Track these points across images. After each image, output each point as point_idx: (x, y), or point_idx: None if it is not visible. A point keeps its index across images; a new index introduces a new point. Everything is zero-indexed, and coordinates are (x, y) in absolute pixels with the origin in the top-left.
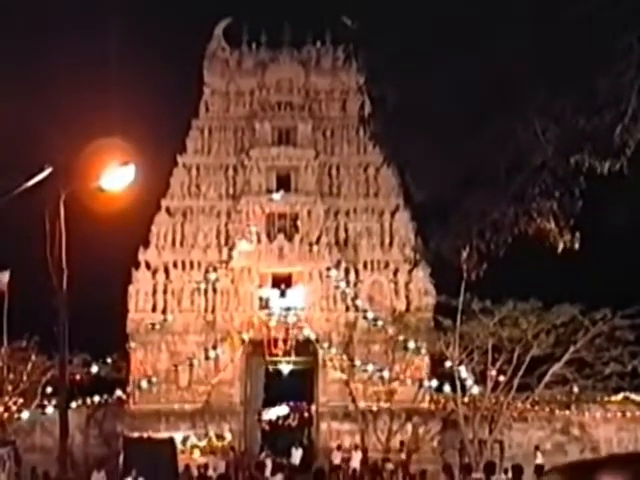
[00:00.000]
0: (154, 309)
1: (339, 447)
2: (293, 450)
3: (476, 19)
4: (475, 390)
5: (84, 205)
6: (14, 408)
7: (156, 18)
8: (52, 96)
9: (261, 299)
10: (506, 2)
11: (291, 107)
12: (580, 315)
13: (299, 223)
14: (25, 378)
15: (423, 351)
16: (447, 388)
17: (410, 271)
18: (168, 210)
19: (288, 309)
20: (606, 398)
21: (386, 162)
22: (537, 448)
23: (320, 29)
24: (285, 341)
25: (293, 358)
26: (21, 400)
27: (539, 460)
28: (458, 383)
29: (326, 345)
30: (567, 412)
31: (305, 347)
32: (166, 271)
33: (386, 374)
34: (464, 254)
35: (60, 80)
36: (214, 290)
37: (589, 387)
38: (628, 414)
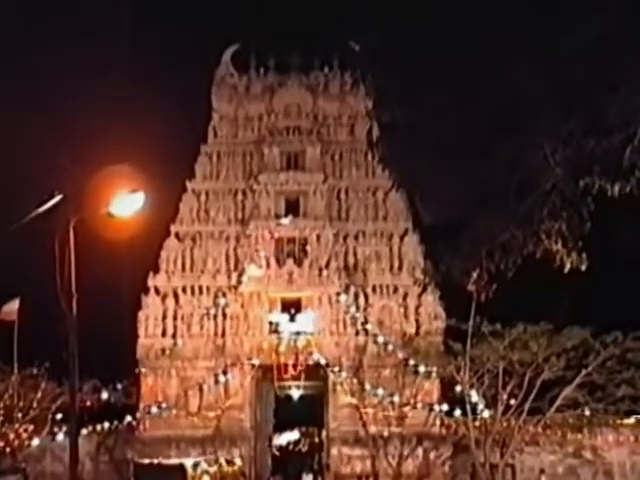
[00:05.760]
0: (164, 334)
1: (359, 478)
2: (304, 475)
3: (485, 43)
4: (486, 414)
5: (94, 231)
6: (24, 435)
7: (164, 45)
8: (61, 123)
9: (271, 324)
10: (515, 26)
11: (299, 132)
12: (591, 338)
13: (308, 248)
14: (35, 405)
15: (433, 375)
16: (458, 412)
17: (420, 295)
18: (177, 235)
19: (298, 334)
20: (618, 421)
21: (395, 185)
22: (542, 472)
23: (328, 54)
24: (295, 366)
25: (303, 383)
26: (31, 427)
27: None
28: (469, 407)
29: (336, 370)
30: (579, 435)
31: (315, 372)
32: (175, 296)
33: (396, 398)
34: (473, 276)
35: (69, 107)
36: (224, 315)
37: (601, 410)
38: None
